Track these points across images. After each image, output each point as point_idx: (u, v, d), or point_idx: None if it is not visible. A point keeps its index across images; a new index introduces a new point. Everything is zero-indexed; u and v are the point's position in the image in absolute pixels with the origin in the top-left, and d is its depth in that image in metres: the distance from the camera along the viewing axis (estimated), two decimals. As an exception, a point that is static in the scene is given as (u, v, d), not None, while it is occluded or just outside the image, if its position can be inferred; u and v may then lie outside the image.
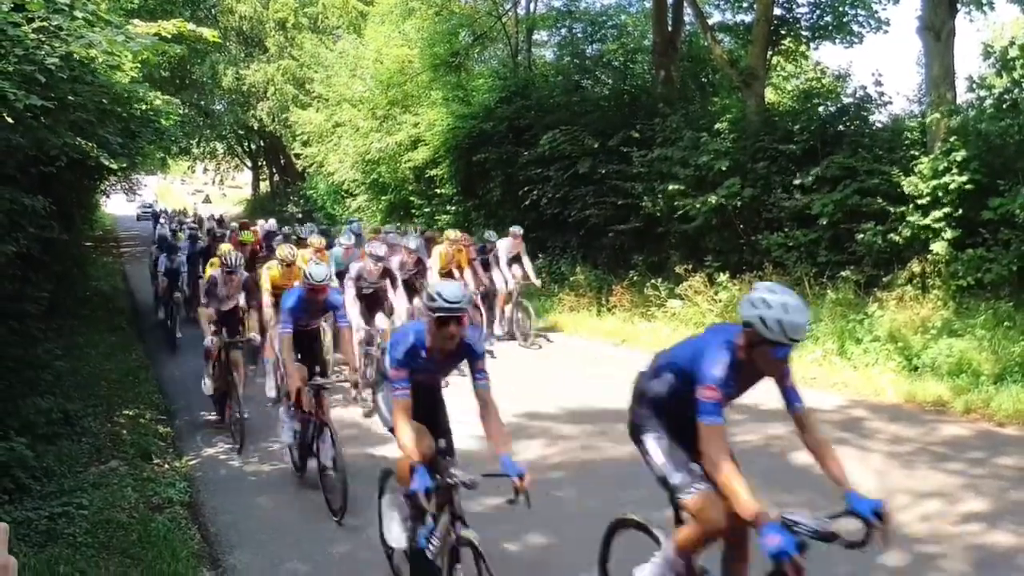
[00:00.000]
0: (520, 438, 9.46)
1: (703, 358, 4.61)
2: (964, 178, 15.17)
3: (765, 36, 20.60)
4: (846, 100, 19.13)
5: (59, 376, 12.18)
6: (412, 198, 31.13)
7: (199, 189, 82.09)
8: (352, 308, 11.29)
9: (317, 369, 8.94)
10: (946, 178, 15.35)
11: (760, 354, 4.49)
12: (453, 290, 5.46)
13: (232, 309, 12.07)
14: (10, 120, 7.58)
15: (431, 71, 30.47)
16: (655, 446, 5.05)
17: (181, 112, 21.41)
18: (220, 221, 34.74)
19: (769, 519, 4.19)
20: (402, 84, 31.26)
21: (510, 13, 30.27)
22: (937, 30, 16.88)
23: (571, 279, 21.10)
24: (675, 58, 23.74)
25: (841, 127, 18.28)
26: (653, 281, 18.50)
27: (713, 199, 18.35)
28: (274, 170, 57.13)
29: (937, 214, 15.39)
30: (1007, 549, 6.75)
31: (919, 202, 15.71)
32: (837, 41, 21.75)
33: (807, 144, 18.01)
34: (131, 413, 11.56)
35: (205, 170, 62.70)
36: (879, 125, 18.79)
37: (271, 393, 12.07)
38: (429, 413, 6.06)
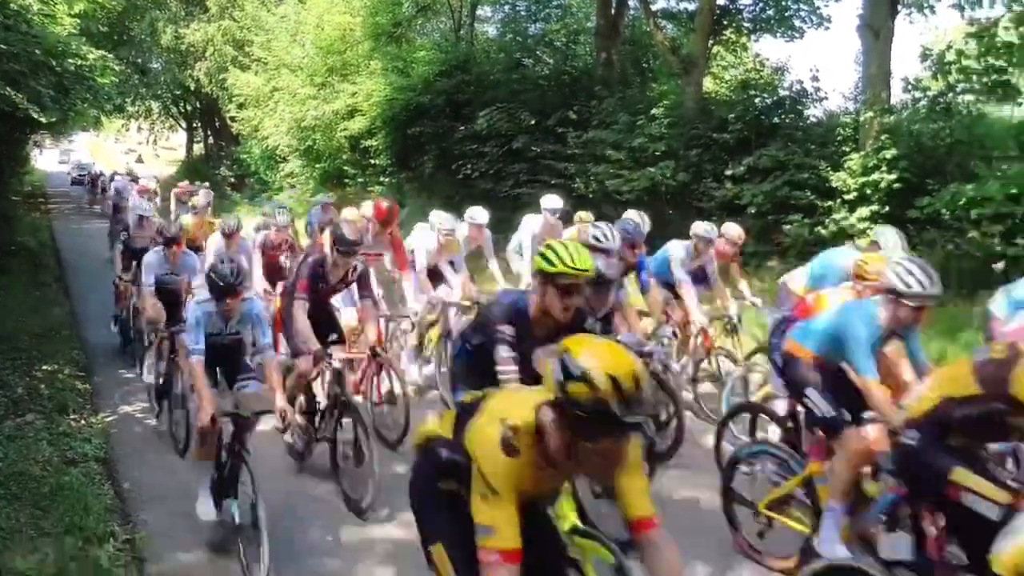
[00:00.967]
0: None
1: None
2: (893, 176, 15.42)
3: (707, 25, 20.61)
4: (783, 93, 19.27)
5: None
6: (346, 167, 30.72)
7: (132, 148, 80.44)
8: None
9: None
10: (875, 175, 15.59)
11: None
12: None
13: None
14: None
15: (372, 40, 29.98)
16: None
17: (117, 70, 20.73)
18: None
19: None
20: (342, 52, 30.71)
21: (455, -14, 29.93)
22: (877, 29, 16.98)
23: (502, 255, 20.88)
24: (617, 41, 23.68)
25: (776, 119, 18.37)
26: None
27: (651, 171, 18.39)
28: (208, 132, 56.01)
29: (864, 211, 15.56)
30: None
31: (847, 197, 15.91)
32: (778, 35, 21.91)
33: (741, 134, 18.08)
34: (50, 368, 11.14)
35: (139, 129, 61.34)
36: (813, 120, 18.96)
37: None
38: None
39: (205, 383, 6.37)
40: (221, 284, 6.49)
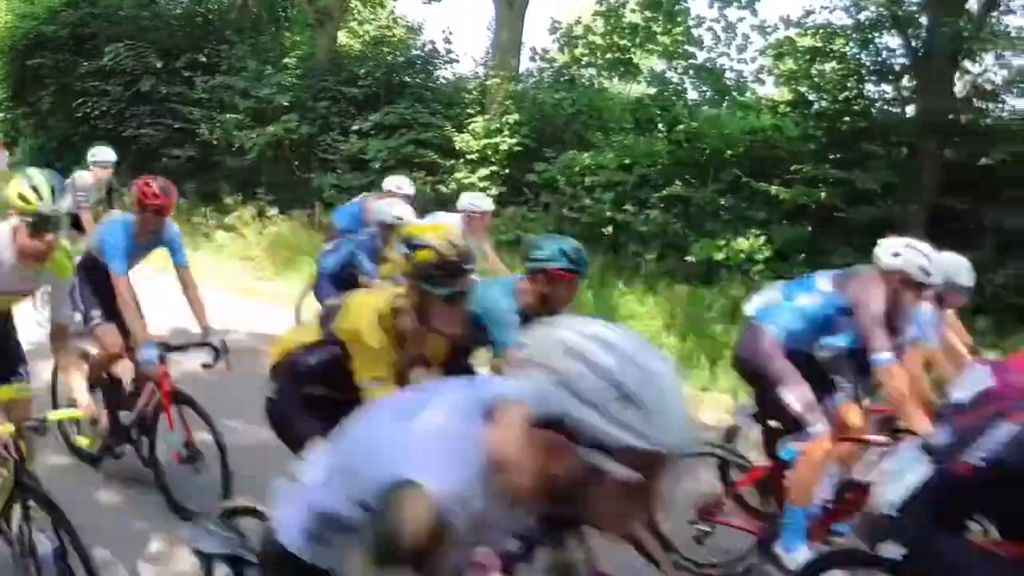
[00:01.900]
0: None
1: None
2: (514, 140, 15.75)
3: (346, -22, 20.11)
4: (415, 53, 19.10)
5: None
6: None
7: None
8: None
9: None
10: (497, 139, 15.85)
11: None
12: None
13: None
14: None
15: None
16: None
17: None
18: None
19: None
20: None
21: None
22: (511, 0, 17.21)
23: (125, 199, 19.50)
24: (254, -13, 22.68)
25: (407, 78, 18.13)
26: (203, 209, 17.58)
27: (271, 129, 17.71)
28: None
29: (484, 171, 15.77)
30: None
31: (469, 157, 16.08)
32: (419, -5, 21.80)
33: (370, 90, 17.78)
34: None
35: None
36: (443, 81, 18.92)
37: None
38: None
39: None
40: None
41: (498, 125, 16.01)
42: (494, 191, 15.31)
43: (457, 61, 18.83)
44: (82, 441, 5.34)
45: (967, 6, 13.15)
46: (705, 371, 10.11)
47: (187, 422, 5.73)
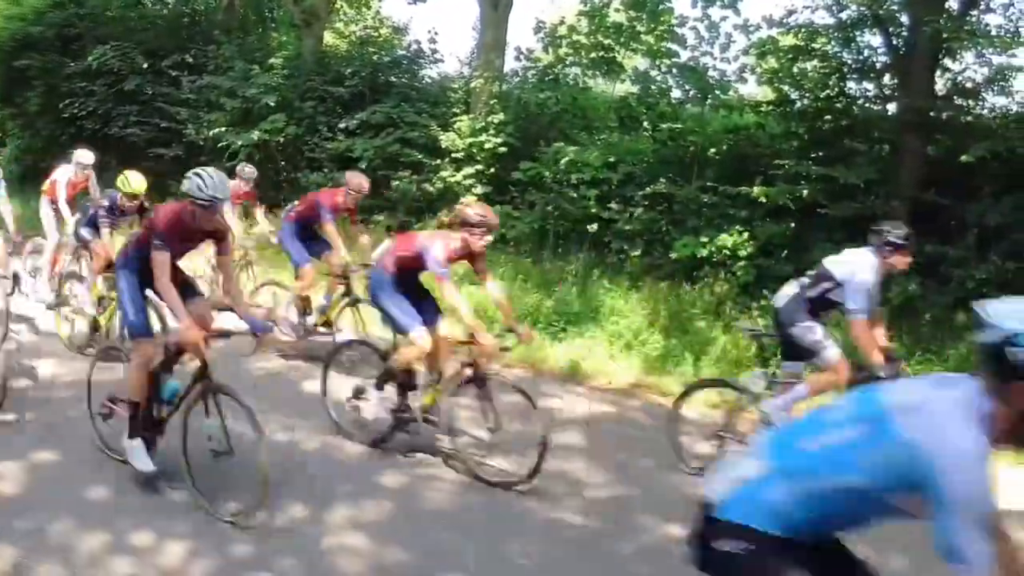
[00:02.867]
0: None
1: None
2: (499, 140, 15.83)
3: (331, -23, 20.15)
4: (401, 53, 19.17)
5: None
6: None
7: None
8: None
9: None
10: (483, 137, 15.91)
11: None
12: None
13: None
14: None
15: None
16: None
17: None
18: None
19: None
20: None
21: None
22: (495, 1, 17.27)
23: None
24: (241, -13, 22.72)
25: (392, 78, 18.21)
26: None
27: (256, 135, 17.67)
28: None
29: (470, 170, 15.84)
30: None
31: (455, 156, 16.14)
32: (403, -4, 21.86)
33: (356, 89, 17.85)
34: None
35: None
36: (429, 80, 19.02)
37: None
38: None
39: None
40: None
41: (483, 124, 16.09)
42: (480, 190, 15.41)
43: (442, 61, 18.97)
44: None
45: (947, 5, 13.21)
46: (689, 367, 10.21)
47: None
